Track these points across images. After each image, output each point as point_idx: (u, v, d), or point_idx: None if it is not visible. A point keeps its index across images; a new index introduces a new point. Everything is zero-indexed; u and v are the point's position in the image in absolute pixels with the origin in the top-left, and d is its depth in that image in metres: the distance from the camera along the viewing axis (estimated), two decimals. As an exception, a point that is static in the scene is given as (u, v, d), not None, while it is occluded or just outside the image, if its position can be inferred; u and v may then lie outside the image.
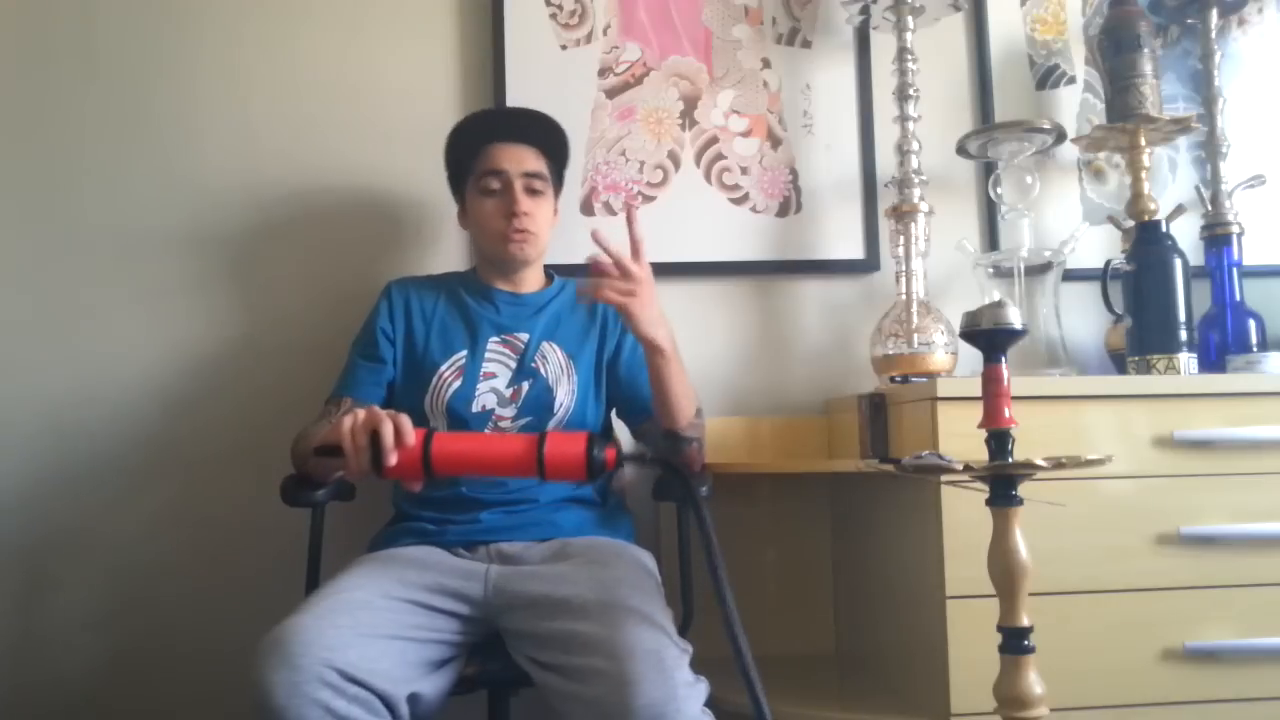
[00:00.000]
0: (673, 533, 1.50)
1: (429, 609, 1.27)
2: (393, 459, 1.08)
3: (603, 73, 1.90)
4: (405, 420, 1.11)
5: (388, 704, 1.14)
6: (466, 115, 1.68)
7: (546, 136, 1.61)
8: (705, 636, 1.30)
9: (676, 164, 1.90)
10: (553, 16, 1.90)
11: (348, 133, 1.85)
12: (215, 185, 1.83)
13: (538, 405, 1.50)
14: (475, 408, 1.49)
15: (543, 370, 1.52)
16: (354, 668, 1.11)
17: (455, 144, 1.64)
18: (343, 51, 1.87)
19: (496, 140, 1.56)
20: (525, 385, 1.51)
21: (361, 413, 1.11)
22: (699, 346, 1.88)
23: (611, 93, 1.90)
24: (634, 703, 1.08)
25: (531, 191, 1.55)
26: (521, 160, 1.55)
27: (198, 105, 1.84)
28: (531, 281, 1.62)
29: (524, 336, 1.54)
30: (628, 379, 1.56)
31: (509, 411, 1.50)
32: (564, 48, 1.90)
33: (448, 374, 1.51)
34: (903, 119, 1.76)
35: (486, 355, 1.52)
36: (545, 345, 1.54)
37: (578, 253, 1.81)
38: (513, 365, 1.52)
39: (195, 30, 1.85)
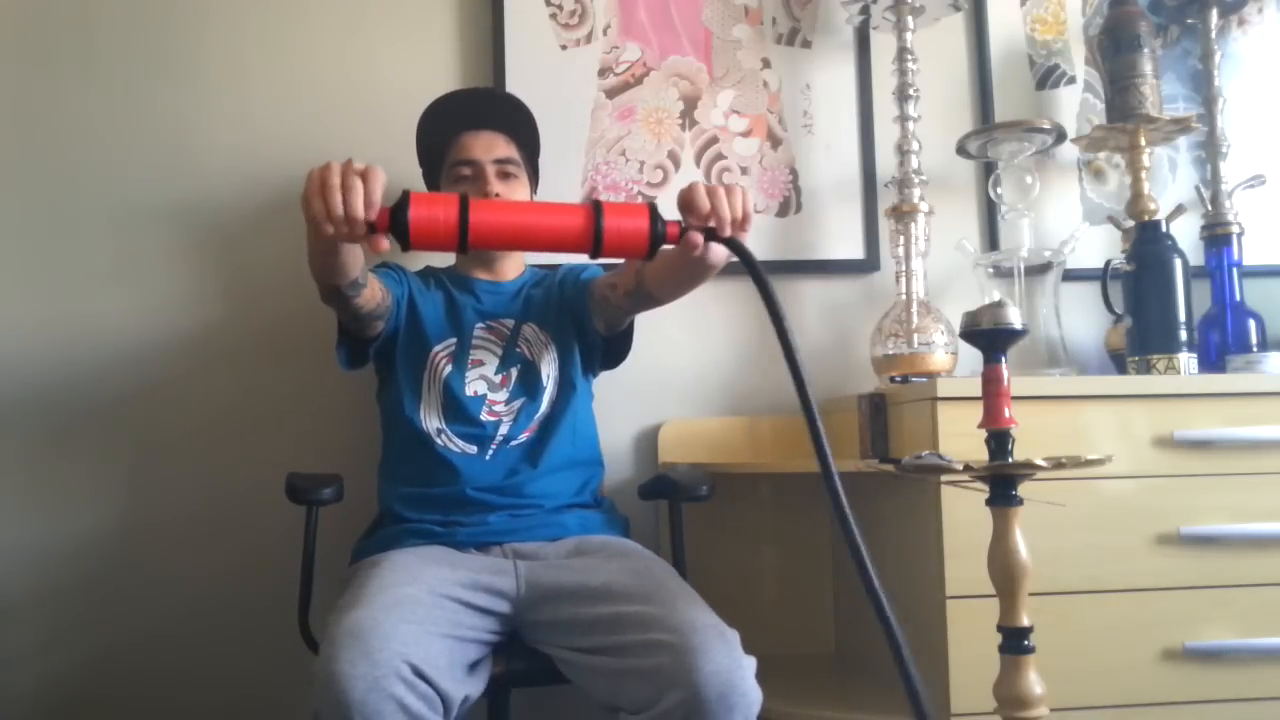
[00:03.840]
0: (669, 534, 1.50)
1: (470, 607, 1.25)
2: (357, 205, 1.00)
3: (603, 73, 1.90)
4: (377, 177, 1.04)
5: (445, 704, 1.12)
6: (434, 100, 1.68)
7: (515, 123, 1.64)
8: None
9: (676, 164, 1.90)
10: (553, 16, 1.90)
11: (348, 132, 1.85)
12: (216, 182, 1.83)
13: (527, 385, 1.52)
14: (469, 392, 1.50)
15: (528, 353, 1.54)
16: (424, 664, 1.10)
17: (425, 135, 1.67)
18: (343, 51, 1.87)
19: (466, 129, 1.60)
20: (514, 371, 1.53)
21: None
22: (699, 346, 1.88)
23: (611, 93, 1.90)
24: (703, 668, 1.08)
25: (505, 175, 1.58)
26: (492, 147, 1.58)
27: (198, 101, 1.84)
28: (511, 269, 1.64)
29: (509, 323, 1.56)
30: (575, 278, 1.58)
31: (501, 396, 1.51)
32: (564, 48, 1.90)
33: (441, 355, 1.52)
34: (903, 119, 1.76)
35: (474, 342, 1.53)
36: (525, 328, 1.56)
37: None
38: (499, 352, 1.54)
39: (196, 27, 1.85)
